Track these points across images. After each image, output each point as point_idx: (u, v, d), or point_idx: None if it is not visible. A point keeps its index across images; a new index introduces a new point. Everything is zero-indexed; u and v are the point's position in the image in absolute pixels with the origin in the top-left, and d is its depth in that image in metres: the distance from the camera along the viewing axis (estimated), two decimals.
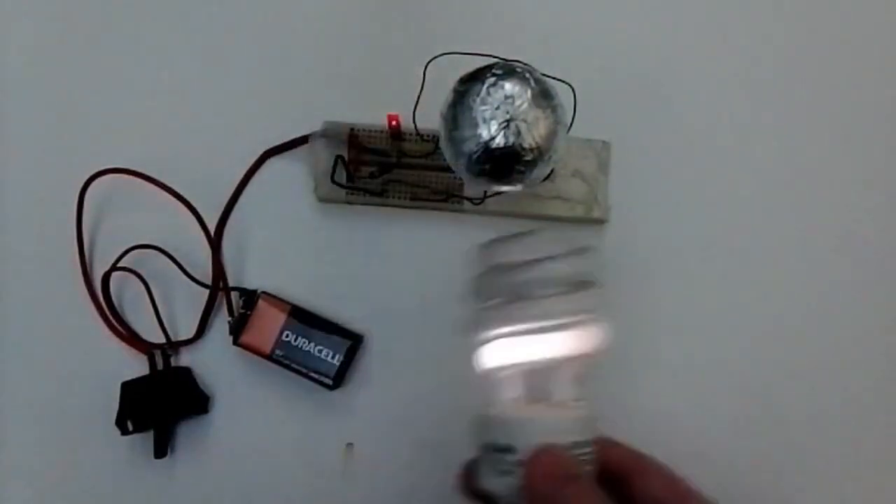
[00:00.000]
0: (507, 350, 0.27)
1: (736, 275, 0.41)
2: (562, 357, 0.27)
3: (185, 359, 0.41)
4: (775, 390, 0.40)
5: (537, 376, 0.28)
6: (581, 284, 0.27)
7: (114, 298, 0.40)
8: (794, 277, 0.41)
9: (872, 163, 0.42)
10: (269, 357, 0.39)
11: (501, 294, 0.28)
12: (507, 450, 0.26)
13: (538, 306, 0.27)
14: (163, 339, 0.40)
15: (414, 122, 0.38)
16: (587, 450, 0.26)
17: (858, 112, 0.42)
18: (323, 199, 0.41)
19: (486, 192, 0.39)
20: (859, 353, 0.40)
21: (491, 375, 0.28)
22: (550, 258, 0.27)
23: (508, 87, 0.32)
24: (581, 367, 0.27)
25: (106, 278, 0.39)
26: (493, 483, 0.26)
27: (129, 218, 0.42)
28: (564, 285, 0.27)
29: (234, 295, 0.40)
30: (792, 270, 0.41)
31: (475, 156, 0.33)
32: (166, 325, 0.40)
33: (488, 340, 0.28)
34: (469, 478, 0.28)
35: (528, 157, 0.33)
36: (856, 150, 0.42)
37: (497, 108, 0.32)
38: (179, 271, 0.40)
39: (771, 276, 0.41)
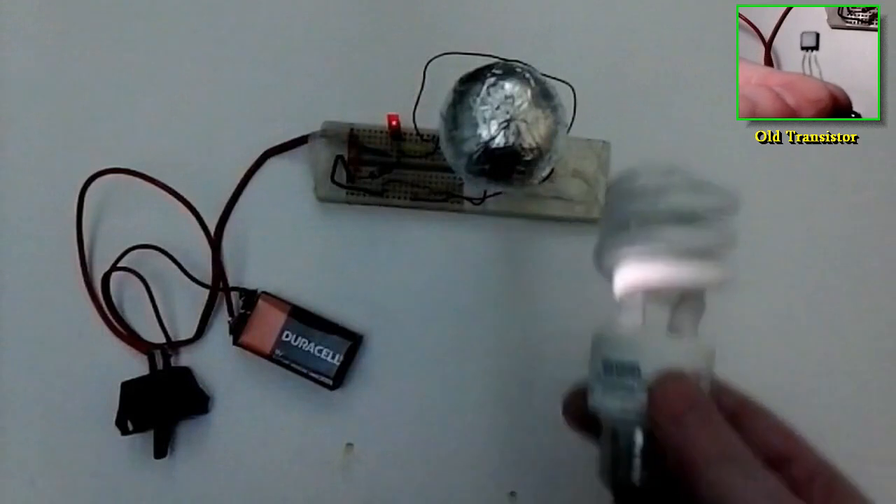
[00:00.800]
0: (636, 272, 0.27)
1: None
2: (690, 284, 0.27)
3: (185, 359, 0.41)
4: (776, 390, 0.40)
5: (662, 303, 0.28)
6: (716, 219, 0.27)
7: (114, 298, 0.40)
8: (796, 276, 0.41)
9: (872, 162, 0.42)
10: (269, 357, 0.39)
11: (637, 218, 0.27)
12: (633, 370, 0.25)
13: (672, 232, 0.26)
14: (163, 339, 0.40)
15: (414, 122, 0.38)
16: (708, 382, 0.26)
17: None
18: (323, 199, 0.41)
19: (486, 192, 0.39)
20: (862, 351, 0.40)
21: (618, 297, 0.27)
22: (690, 187, 0.27)
23: (508, 87, 0.32)
24: (703, 300, 0.27)
25: (106, 278, 0.39)
26: (610, 402, 0.26)
27: (129, 218, 0.42)
28: (700, 216, 0.27)
29: (234, 295, 0.40)
30: (793, 269, 0.41)
31: (475, 156, 0.33)
32: (166, 325, 0.40)
33: (619, 262, 0.27)
34: (576, 399, 0.28)
35: (528, 157, 0.33)
36: (858, 147, 0.42)
37: (497, 108, 0.32)
38: (179, 271, 0.40)
39: (772, 276, 0.41)
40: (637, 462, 0.25)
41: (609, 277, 0.28)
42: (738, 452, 0.23)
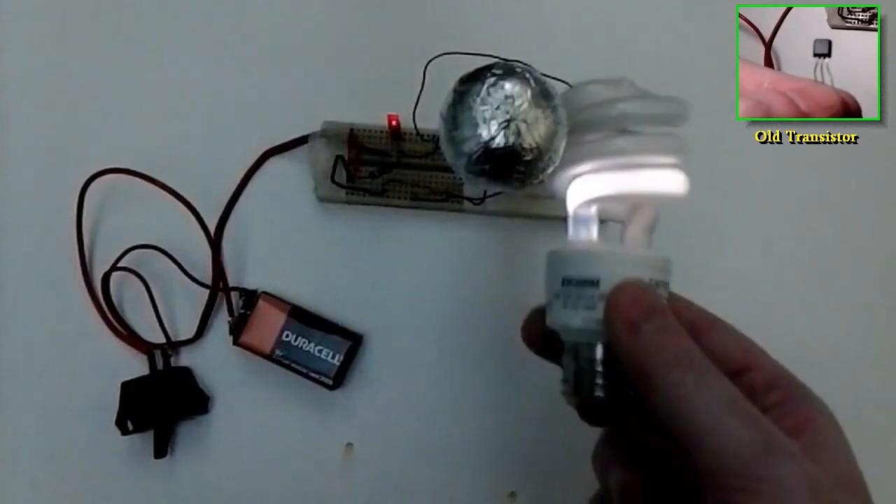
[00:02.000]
0: (588, 184, 0.27)
1: (736, 273, 0.41)
2: (642, 194, 0.27)
3: (185, 359, 0.41)
4: None
5: (614, 216, 0.28)
6: (667, 127, 0.27)
7: (114, 298, 0.40)
8: (797, 276, 0.41)
9: (872, 162, 0.42)
10: (269, 357, 0.39)
11: (587, 129, 0.27)
12: (592, 283, 0.25)
13: (622, 142, 0.26)
14: (163, 339, 0.40)
15: (414, 122, 0.38)
16: (665, 293, 0.26)
17: None
18: (323, 199, 0.41)
19: (485, 192, 0.39)
20: (860, 352, 0.40)
21: (572, 213, 0.28)
22: (639, 96, 0.27)
23: (508, 87, 0.32)
24: (655, 214, 0.27)
25: (106, 278, 0.40)
26: (569, 318, 0.26)
27: (129, 218, 0.42)
28: (650, 124, 0.27)
29: (234, 295, 0.40)
30: (791, 269, 0.41)
31: (475, 156, 0.33)
32: (166, 325, 0.40)
33: (572, 177, 0.28)
34: (534, 321, 0.28)
35: (528, 157, 0.33)
36: (858, 147, 0.42)
37: (497, 108, 0.32)
38: (179, 271, 0.40)
39: (772, 275, 0.41)
40: (599, 376, 0.25)
41: (562, 196, 0.28)
42: (694, 359, 0.23)
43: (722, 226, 0.41)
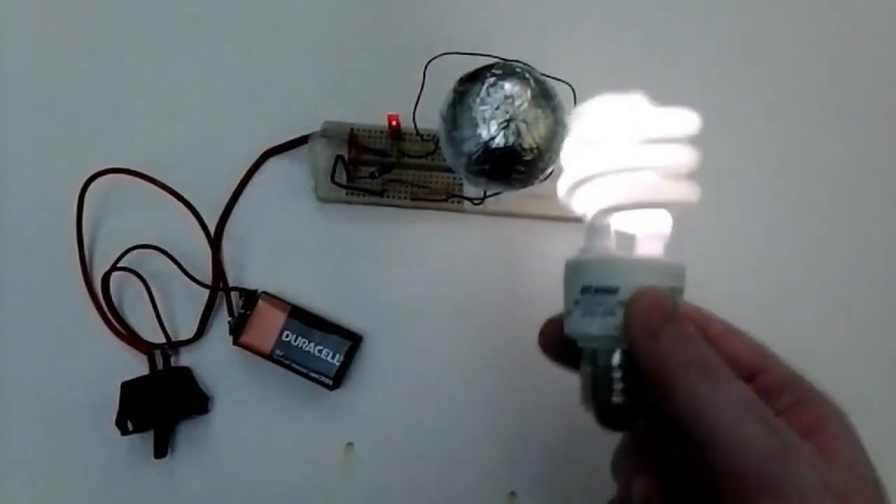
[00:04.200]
0: (604, 195, 0.27)
1: (736, 274, 0.41)
2: (657, 203, 0.27)
3: (185, 359, 0.41)
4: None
5: (631, 224, 0.28)
6: (678, 141, 0.28)
7: (114, 298, 0.40)
8: (797, 277, 0.41)
9: (874, 162, 0.42)
10: (269, 357, 0.39)
11: (603, 141, 0.28)
12: (611, 290, 0.26)
13: (637, 154, 0.27)
14: (163, 339, 0.40)
15: (414, 122, 0.38)
16: (681, 299, 0.27)
17: (860, 109, 0.42)
18: (323, 199, 0.41)
19: (485, 192, 0.39)
20: (858, 351, 0.40)
21: (590, 223, 0.28)
22: (653, 111, 0.28)
23: (508, 87, 0.32)
24: (669, 221, 0.28)
25: (106, 278, 0.40)
26: (588, 325, 0.26)
27: (129, 218, 0.42)
28: (663, 137, 0.27)
29: (234, 295, 0.40)
30: (794, 269, 0.41)
31: (475, 156, 0.33)
32: (166, 325, 0.40)
33: (589, 187, 0.28)
34: (552, 329, 0.28)
35: (528, 157, 0.33)
36: (857, 150, 0.42)
37: (497, 108, 0.32)
38: (179, 271, 0.40)
39: (772, 276, 0.41)
40: (617, 381, 0.26)
41: (577, 207, 0.29)
42: (710, 364, 0.23)
43: (724, 220, 0.41)
